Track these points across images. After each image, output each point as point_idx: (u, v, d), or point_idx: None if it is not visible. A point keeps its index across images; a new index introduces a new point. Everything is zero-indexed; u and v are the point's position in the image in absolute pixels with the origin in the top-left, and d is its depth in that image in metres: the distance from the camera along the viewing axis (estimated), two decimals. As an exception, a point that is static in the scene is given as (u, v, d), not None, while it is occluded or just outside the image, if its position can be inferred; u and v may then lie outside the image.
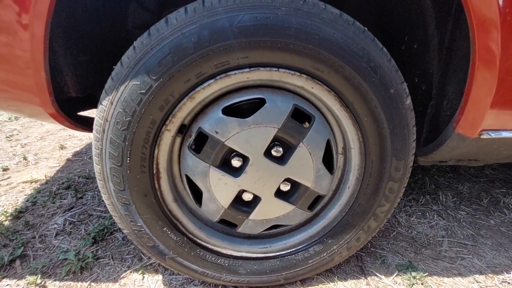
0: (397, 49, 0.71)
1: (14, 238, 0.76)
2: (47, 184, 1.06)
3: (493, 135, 0.53)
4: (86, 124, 0.61)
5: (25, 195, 0.99)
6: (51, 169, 1.17)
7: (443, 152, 0.60)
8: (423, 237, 0.80)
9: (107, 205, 0.53)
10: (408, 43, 0.67)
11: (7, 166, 1.18)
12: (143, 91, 0.43)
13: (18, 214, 0.87)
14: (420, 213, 0.90)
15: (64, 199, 0.95)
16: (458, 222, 0.87)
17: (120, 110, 0.44)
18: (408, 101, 0.50)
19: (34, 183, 1.07)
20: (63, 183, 1.04)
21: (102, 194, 0.53)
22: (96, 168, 0.49)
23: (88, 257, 0.69)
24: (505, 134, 0.53)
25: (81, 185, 1.04)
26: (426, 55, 0.62)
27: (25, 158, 1.26)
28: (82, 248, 0.73)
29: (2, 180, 1.09)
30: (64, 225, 0.82)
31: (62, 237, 0.77)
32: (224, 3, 0.41)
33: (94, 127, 0.47)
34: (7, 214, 0.87)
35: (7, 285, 0.63)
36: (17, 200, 0.95)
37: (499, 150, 0.59)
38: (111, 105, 0.44)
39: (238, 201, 0.54)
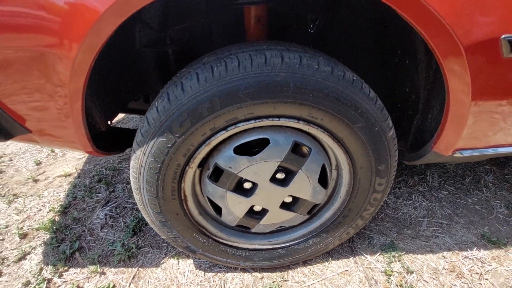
0: (391, 59, 0.75)
1: (68, 232, 0.94)
2: (79, 177, 1.20)
3: (465, 153, 0.62)
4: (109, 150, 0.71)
5: (64, 190, 1.14)
6: (79, 161, 1.31)
7: (423, 161, 0.70)
8: (407, 217, 0.95)
9: (147, 220, 0.67)
10: (400, 56, 0.72)
11: (39, 160, 1.32)
12: (169, 146, 0.53)
13: (64, 210, 1.04)
14: (407, 195, 1.03)
15: (99, 193, 1.10)
16: (439, 202, 1.00)
17: (152, 159, 0.54)
18: (391, 132, 0.58)
19: (67, 176, 1.22)
20: (93, 177, 1.19)
21: (142, 213, 0.66)
22: (136, 197, 0.62)
23: (132, 248, 0.86)
24: (475, 152, 0.62)
25: (110, 177, 1.19)
26: (416, 72, 0.68)
27: (52, 151, 1.39)
28: (125, 239, 0.90)
29: (39, 175, 1.25)
30: (105, 219, 0.98)
31: (107, 230, 0.94)
32: (231, 72, 0.48)
33: (131, 169, 0.58)
34: (55, 210, 1.03)
35: (74, 273, 0.82)
36: (59, 195, 1.11)
37: (471, 159, 0.69)
38: (144, 155, 0.54)
39: (250, 211, 0.67)
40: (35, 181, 1.20)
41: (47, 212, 1.03)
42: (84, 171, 1.24)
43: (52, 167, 1.29)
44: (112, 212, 1.00)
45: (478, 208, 0.98)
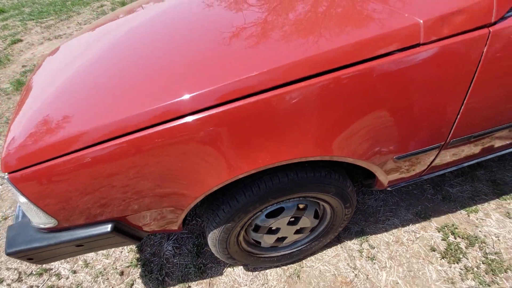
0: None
1: (152, 265, 1.38)
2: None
3: (394, 187, 1.08)
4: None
5: (130, 231, 1.56)
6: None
7: (372, 189, 1.16)
8: (370, 208, 1.45)
9: (217, 256, 1.12)
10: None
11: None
12: (232, 226, 0.95)
13: (139, 249, 1.47)
14: (370, 191, 1.52)
15: (158, 230, 1.53)
16: (390, 192, 1.50)
17: (223, 233, 0.97)
18: (351, 188, 1.02)
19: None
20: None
21: (214, 253, 1.10)
22: (213, 249, 1.05)
23: (201, 266, 1.33)
24: (404, 183, 1.08)
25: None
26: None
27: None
28: (194, 261, 1.36)
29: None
30: (173, 249, 1.43)
31: (178, 257, 1.39)
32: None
33: (209, 236, 1.00)
34: (133, 250, 1.46)
35: (170, 290, 1.28)
36: (129, 237, 1.53)
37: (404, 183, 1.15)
38: (217, 231, 0.97)
39: (277, 238, 1.13)
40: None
41: (128, 252, 1.46)
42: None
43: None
44: (176, 244, 1.45)
45: (415, 192, 1.48)
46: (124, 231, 0.86)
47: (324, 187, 0.94)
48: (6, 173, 0.71)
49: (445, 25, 0.67)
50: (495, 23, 0.69)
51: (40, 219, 0.78)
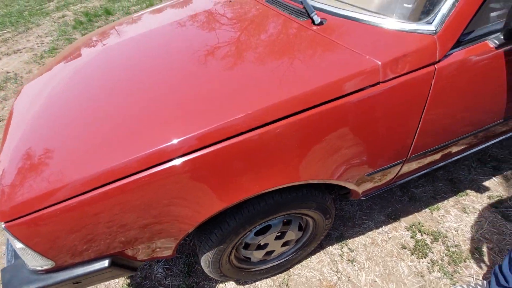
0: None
1: (142, 287, 1.40)
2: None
3: (365, 197, 1.20)
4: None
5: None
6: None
7: (348, 199, 1.28)
8: (347, 214, 1.57)
9: (210, 275, 1.17)
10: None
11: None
12: (224, 247, 1.01)
13: (130, 272, 1.47)
14: (346, 198, 1.65)
15: (147, 252, 1.54)
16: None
17: (215, 255, 1.03)
18: (329, 201, 1.13)
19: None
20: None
21: (207, 273, 1.16)
22: (206, 269, 1.11)
23: (194, 285, 1.37)
24: (373, 193, 1.21)
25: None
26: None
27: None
28: (186, 281, 1.40)
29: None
30: (164, 271, 1.45)
31: (170, 278, 1.42)
32: (250, 211, 0.96)
33: (202, 258, 1.06)
34: (124, 275, 1.46)
35: (165, 311, 1.31)
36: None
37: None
38: (210, 253, 1.03)
39: (266, 252, 1.21)
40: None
41: (118, 279, 1.46)
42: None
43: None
44: (167, 265, 1.47)
45: (386, 195, 1.64)
46: (121, 264, 0.90)
47: (306, 204, 1.03)
48: (2, 222, 0.72)
49: (399, 65, 0.79)
50: (439, 61, 0.82)
51: (37, 262, 0.80)
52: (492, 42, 0.87)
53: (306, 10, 1.01)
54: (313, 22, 0.98)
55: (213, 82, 0.85)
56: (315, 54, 0.86)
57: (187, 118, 0.76)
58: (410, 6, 0.89)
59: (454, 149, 1.15)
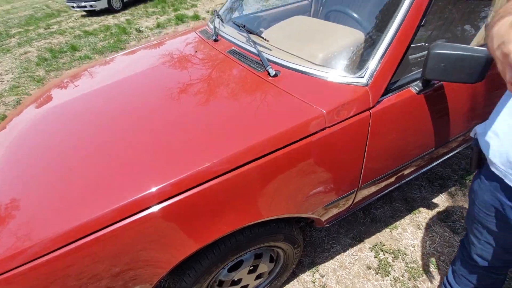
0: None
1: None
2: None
3: (328, 224, 1.31)
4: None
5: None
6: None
7: (314, 227, 1.38)
8: (317, 240, 1.67)
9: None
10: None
11: None
12: (200, 285, 1.05)
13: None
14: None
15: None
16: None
17: (190, 295, 1.05)
18: (297, 232, 1.22)
19: None
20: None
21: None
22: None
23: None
24: (335, 220, 1.32)
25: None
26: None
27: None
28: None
29: None
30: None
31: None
32: (222, 249, 1.02)
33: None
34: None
35: None
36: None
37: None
38: (186, 295, 1.05)
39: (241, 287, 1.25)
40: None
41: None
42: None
43: None
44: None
45: (350, 218, 1.77)
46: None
47: (274, 237, 1.11)
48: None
49: (341, 112, 0.94)
50: (373, 106, 0.99)
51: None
52: (414, 88, 1.06)
53: (262, 63, 1.16)
54: (268, 74, 1.12)
55: (176, 133, 0.94)
56: (272, 104, 0.99)
57: (159, 168, 0.83)
58: (347, 62, 1.06)
59: (399, 175, 1.31)
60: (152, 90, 1.21)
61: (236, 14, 1.96)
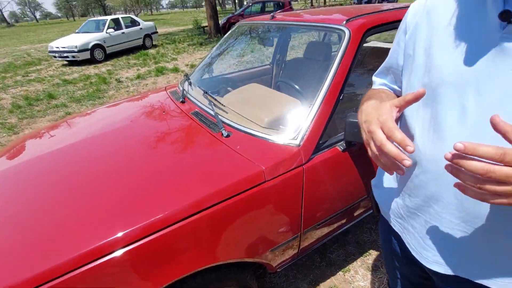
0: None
1: None
2: None
3: (280, 269, 1.42)
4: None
5: None
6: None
7: (268, 272, 1.48)
8: (276, 286, 1.74)
9: None
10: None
11: None
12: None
13: None
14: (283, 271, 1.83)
15: None
16: (290, 267, 1.85)
17: None
18: (251, 277, 1.32)
19: None
20: None
21: None
22: None
23: None
24: (286, 265, 1.43)
25: None
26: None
27: None
28: None
29: None
30: None
31: None
32: None
33: None
34: None
35: None
36: None
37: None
38: None
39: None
40: None
41: None
42: None
43: None
44: None
45: (308, 263, 1.87)
46: None
47: (227, 282, 1.21)
48: None
49: (278, 168, 1.14)
50: (305, 163, 1.20)
51: None
52: (339, 147, 1.30)
53: (217, 125, 1.38)
54: (222, 135, 1.33)
55: (133, 187, 1.08)
56: (222, 161, 1.18)
57: (119, 217, 0.95)
58: (283, 126, 1.31)
59: (340, 220, 1.49)
60: (117, 148, 1.36)
61: (206, 76, 2.26)
